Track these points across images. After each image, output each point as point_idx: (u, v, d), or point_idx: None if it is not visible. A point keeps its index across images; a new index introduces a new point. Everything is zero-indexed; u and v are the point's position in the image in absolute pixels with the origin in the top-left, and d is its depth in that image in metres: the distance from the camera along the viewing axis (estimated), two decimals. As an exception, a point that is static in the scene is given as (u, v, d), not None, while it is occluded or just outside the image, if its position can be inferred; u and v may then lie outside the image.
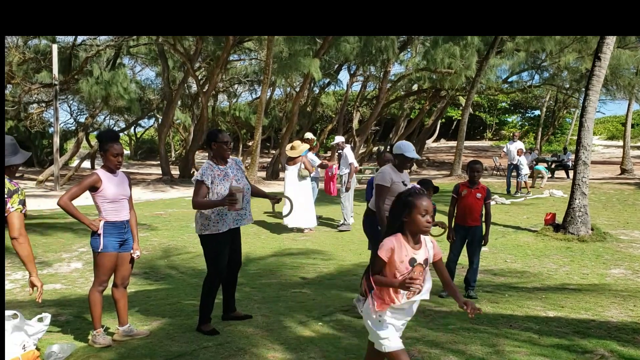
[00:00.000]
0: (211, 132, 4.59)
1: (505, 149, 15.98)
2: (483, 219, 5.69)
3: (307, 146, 10.21)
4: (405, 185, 4.92)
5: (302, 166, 9.84)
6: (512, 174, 15.50)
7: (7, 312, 3.80)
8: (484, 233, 5.68)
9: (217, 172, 4.39)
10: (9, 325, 3.69)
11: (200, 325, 4.41)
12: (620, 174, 21.32)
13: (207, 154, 32.65)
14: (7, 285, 6.58)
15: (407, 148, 4.97)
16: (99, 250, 4.00)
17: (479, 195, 5.59)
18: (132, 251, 4.21)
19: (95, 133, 37.42)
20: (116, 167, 4.09)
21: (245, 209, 4.45)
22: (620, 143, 27.90)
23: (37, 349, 3.82)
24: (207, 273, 4.46)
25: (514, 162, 15.11)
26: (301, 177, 9.85)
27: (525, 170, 15.09)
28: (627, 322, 4.72)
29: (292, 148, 10.08)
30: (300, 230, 9.96)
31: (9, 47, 21.12)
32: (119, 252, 4.11)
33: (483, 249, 5.83)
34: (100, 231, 3.98)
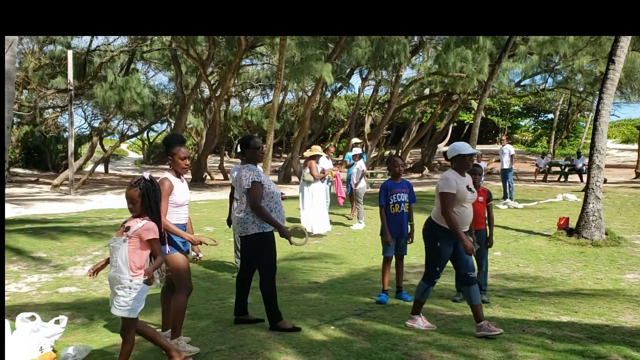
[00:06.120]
0: (244, 139, 4.69)
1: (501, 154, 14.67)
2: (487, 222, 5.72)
3: (319, 148, 10.29)
4: (470, 190, 4.51)
5: (307, 170, 9.86)
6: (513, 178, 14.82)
7: (25, 314, 3.88)
8: (488, 235, 5.71)
9: (262, 173, 4.53)
10: (26, 327, 3.77)
11: (277, 323, 4.43)
12: (635, 178, 21.09)
13: (219, 158, 32.67)
14: (24, 288, 6.69)
15: (461, 147, 4.49)
16: (167, 253, 3.89)
17: (481, 198, 5.61)
18: (192, 253, 4.13)
19: (109, 137, 37.88)
20: (184, 170, 4.12)
21: (281, 211, 4.60)
22: (635, 147, 27.60)
23: (54, 350, 3.88)
24: (265, 274, 4.48)
25: (505, 167, 14.34)
26: (305, 182, 9.85)
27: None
28: (641, 328, 4.67)
29: (310, 150, 10.26)
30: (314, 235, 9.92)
31: (25, 53, 21.46)
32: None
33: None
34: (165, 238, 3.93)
